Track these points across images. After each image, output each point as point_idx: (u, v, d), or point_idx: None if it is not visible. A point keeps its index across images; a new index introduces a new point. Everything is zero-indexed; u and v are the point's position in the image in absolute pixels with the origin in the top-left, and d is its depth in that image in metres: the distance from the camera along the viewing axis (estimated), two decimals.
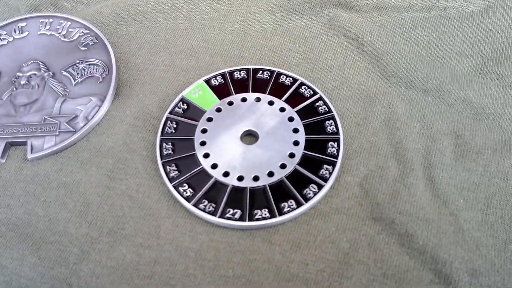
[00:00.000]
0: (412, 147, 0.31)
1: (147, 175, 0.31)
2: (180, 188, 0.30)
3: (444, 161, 0.30)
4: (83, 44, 0.37)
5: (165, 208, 0.30)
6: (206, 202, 0.29)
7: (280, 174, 0.30)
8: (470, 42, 0.36)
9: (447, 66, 0.35)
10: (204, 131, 0.32)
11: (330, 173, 0.30)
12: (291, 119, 0.32)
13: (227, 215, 0.29)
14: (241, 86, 0.34)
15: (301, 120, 0.32)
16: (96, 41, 0.37)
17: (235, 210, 0.29)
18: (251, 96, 0.34)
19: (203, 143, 0.32)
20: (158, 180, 0.31)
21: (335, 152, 0.31)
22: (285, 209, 0.29)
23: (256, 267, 0.27)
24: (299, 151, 0.31)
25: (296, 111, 0.33)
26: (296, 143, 0.31)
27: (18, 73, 0.36)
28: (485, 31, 0.36)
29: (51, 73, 0.36)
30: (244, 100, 0.34)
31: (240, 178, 0.30)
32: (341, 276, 0.27)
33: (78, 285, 0.27)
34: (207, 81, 0.35)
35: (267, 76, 0.35)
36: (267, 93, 0.34)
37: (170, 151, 0.32)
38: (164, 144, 0.32)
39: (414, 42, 0.36)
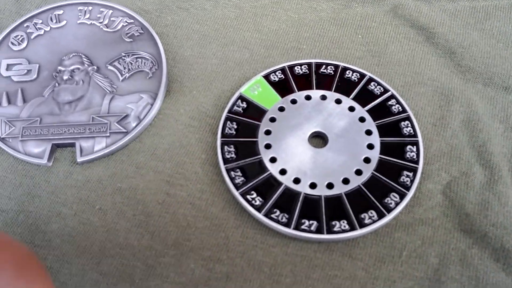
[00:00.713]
0: (498, 151, 0.28)
1: (209, 180, 0.29)
2: (248, 196, 0.28)
3: None
4: (128, 35, 0.35)
5: (232, 218, 0.28)
6: (278, 212, 0.27)
7: (356, 181, 0.28)
8: None
9: None
10: (267, 132, 0.30)
11: (412, 181, 0.27)
12: (362, 119, 0.30)
13: (303, 226, 0.26)
14: (303, 82, 0.32)
15: (373, 120, 0.30)
16: (141, 31, 0.35)
17: (311, 222, 0.27)
18: (315, 93, 0.31)
19: (268, 146, 0.29)
20: (222, 187, 0.29)
21: (414, 156, 0.28)
22: (366, 221, 0.26)
23: (338, 284, 0.25)
24: (374, 155, 0.28)
25: (367, 111, 0.30)
26: (370, 146, 0.29)
27: (59, 67, 0.33)
28: None
29: (95, 67, 0.33)
30: (308, 98, 0.31)
31: (313, 185, 0.28)
32: None
33: None
34: (266, 77, 0.32)
35: (331, 72, 0.32)
36: (332, 90, 0.31)
37: (233, 155, 0.29)
38: (225, 147, 0.29)
39: (489, 34, 0.34)
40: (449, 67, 0.32)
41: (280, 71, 0.33)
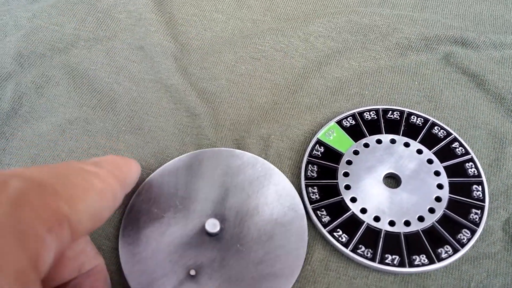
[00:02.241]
0: None
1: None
2: (335, 234, 0.31)
3: None
4: None
5: (316, 252, 0.31)
6: (363, 247, 0.31)
7: (430, 219, 0.31)
8: None
9: None
10: (346, 174, 0.33)
11: (480, 217, 0.31)
12: (430, 161, 0.34)
13: (387, 260, 0.30)
14: (372, 127, 0.36)
15: (440, 162, 0.33)
16: None
17: (394, 256, 0.30)
18: (385, 137, 0.35)
19: (347, 187, 0.33)
20: (309, 224, 0.32)
21: (480, 195, 0.32)
22: (443, 255, 0.30)
23: None
24: (444, 194, 0.32)
25: (433, 153, 0.34)
26: (440, 186, 0.32)
27: None
28: None
29: None
30: (379, 142, 0.35)
31: (391, 223, 0.31)
32: None
33: None
34: (339, 122, 0.36)
35: (397, 117, 0.36)
36: (400, 134, 0.35)
37: (317, 196, 0.33)
38: (309, 188, 0.33)
39: None
40: (500, 112, 0.36)
41: (351, 117, 0.36)
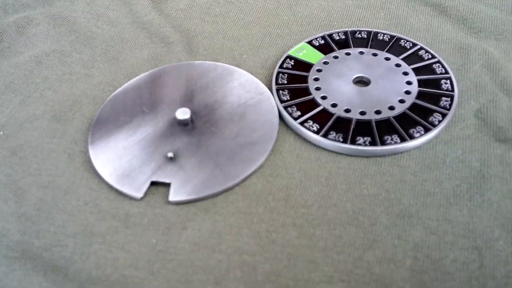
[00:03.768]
0: None
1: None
2: (306, 124, 0.29)
3: None
4: None
5: (287, 144, 0.29)
6: (334, 133, 0.28)
7: (401, 108, 0.29)
8: None
9: None
10: (316, 79, 0.32)
11: (450, 104, 0.29)
12: (398, 65, 0.32)
13: (358, 142, 0.28)
14: (341, 44, 0.34)
15: (408, 65, 0.32)
16: None
17: (365, 138, 0.28)
18: (354, 50, 0.34)
19: (318, 88, 0.31)
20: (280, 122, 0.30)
21: (449, 87, 0.30)
22: (415, 134, 0.28)
23: (390, 187, 0.26)
24: (414, 88, 0.30)
25: (401, 59, 0.32)
26: (409, 82, 0.31)
27: None
28: None
29: None
30: (348, 54, 0.33)
31: (362, 113, 0.29)
32: (480, 188, 0.25)
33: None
34: (309, 42, 0.35)
35: (365, 36, 0.35)
36: (368, 47, 0.34)
37: (288, 97, 0.31)
38: (280, 91, 0.31)
39: (493, 6, 0.37)
40: (463, 30, 0.35)
41: (320, 37, 0.35)
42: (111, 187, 0.27)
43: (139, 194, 0.26)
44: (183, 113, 0.29)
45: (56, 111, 0.31)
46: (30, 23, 0.39)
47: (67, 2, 0.41)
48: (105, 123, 0.30)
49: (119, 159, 0.28)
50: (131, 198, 0.26)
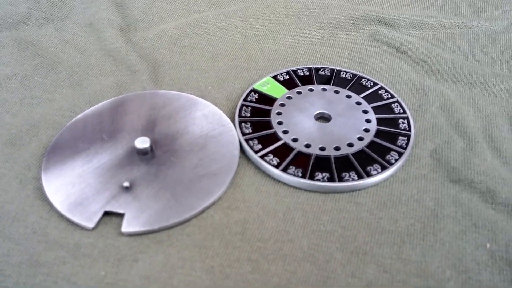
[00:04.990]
0: (472, 125, 0.31)
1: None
2: (266, 158, 0.29)
3: (504, 136, 0.30)
4: None
5: (247, 178, 0.28)
6: (294, 168, 0.28)
7: (359, 145, 0.29)
8: (500, 49, 0.37)
9: (485, 66, 0.36)
10: (279, 113, 0.32)
11: (407, 143, 0.30)
12: (358, 103, 0.33)
13: (317, 177, 0.28)
14: (306, 80, 0.35)
15: (368, 103, 0.32)
16: None
17: (324, 174, 0.28)
18: (317, 87, 0.34)
19: (280, 123, 0.31)
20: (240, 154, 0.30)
21: (407, 127, 0.31)
22: (372, 172, 0.28)
23: (346, 224, 0.26)
24: (372, 126, 0.31)
25: (362, 97, 0.33)
26: (368, 120, 0.31)
27: None
28: (510, 42, 0.39)
29: None
30: (311, 90, 0.34)
31: (322, 149, 0.29)
32: (433, 228, 0.26)
33: None
34: (274, 77, 0.35)
35: (328, 73, 0.35)
36: (331, 84, 0.34)
37: (250, 130, 0.31)
38: (243, 124, 0.31)
39: (451, 50, 0.38)
40: (422, 72, 0.36)
41: (285, 73, 0.35)
42: (62, 216, 0.25)
43: (90, 224, 0.25)
44: (142, 142, 0.28)
45: (12, 135, 0.30)
46: None
47: (35, 27, 0.40)
48: (62, 149, 0.29)
49: (72, 187, 0.27)
50: (82, 228, 0.25)
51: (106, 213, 0.25)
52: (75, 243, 0.24)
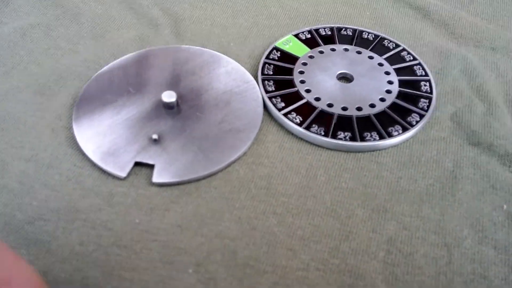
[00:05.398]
0: (493, 90, 0.31)
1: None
2: (289, 116, 0.29)
3: None
4: None
5: (270, 135, 0.29)
6: (317, 126, 0.29)
7: (381, 106, 0.30)
8: None
9: (508, 31, 0.36)
10: (301, 72, 0.32)
11: (428, 106, 0.30)
12: (380, 64, 0.33)
13: (339, 136, 0.28)
14: (327, 39, 0.35)
15: (390, 65, 0.33)
16: None
17: (346, 133, 0.28)
18: (339, 47, 0.34)
19: (302, 82, 0.32)
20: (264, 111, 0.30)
21: (428, 89, 0.31)
22: (393, 133, 0.28)
23: (367, 182, 0.27)
24: (394, 88, 0.31)
25: (384, 59, 0.33)
26: (390, 82, 0.31)
27: None
28: None
29: None
30: (333, 50, 0.34)
31: (344, 108, 0.30)
32: (451, 188, 0.26)
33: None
34: (296, 35, 0.35)
35: (350, 33, 0.35)
36: (353, 45, 0.34)
37: (273, 88, 0.31)
38: (266, 82, 0.31)
39: (474, 13, 0.38)
40: (444, 35, 0.36)
41: (307, 32, 0.35)
42: (94, 165, 0.26)
43: (123, 174, 0.26)
44: (169, 96, 0.29)
45: (40, 85, 0.31)
46: None
47: None
48: (90, 100, 0.30)
49: (103, 137, 0.27)
50: (114, 177, 0.26)
51: (137, 164, 0.26)
52: (109, 191, 0.25)
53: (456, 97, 0.31)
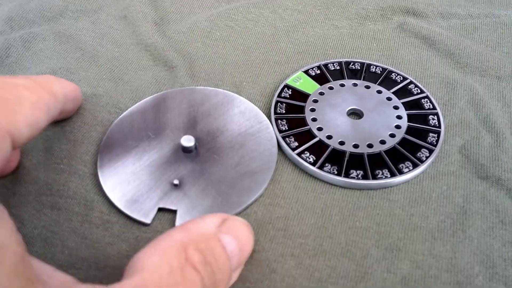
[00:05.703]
0: (500, 121, 0.32)
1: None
2: (303, 155, 0.31)
3: None
4: None
5: (285, 174, 0.30)
6: (329, 165, 0.30)
7: (391, 142, 0.31)
8: None
9: None
10: (312, 110, 0.33)
11: (437, 140, 0.31)
12: (389, 99, 0.34)
13: (351, 175, 0.29)
14: (336, 74, 0.36)
15: (399, 99, 0.34)
16: None
17: (358, 171, 0.30)
18: (348, 82, 0.35)
19: (314, 119, 0.33)
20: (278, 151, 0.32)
21: (436, 123, 0.32)
22: (404, 169, 0.30)
23: (380, 220, 0.28)
24: (403, 123, 0.32)
25: (392, 93, 0.34)
26: (399, 117, 0.33)
27: None
28: None
29: None
30: (342, 85, 0.35)
31: (356, 146, 0.31)
32: (462, 224, 0.27)
33: None
34: (306, 72, 0.36)
35: (359, 67, 0.37)
36: (362, 79, 0.35)
37: (286, 127, 0.32)
38: (279, 121, 0.33)
39: (479, 41, 0.39)
40: (450, 64, 0.37)
41: (316, 67, 0.37)
42: (120, 212, 0.28)
43: (147, 220, 0.27)
44: (188, 141, 0.30)
45: (65, 132, 0.32)
46: (36, 38, 0.40)
47: (72, 20, 0.42)
48: (113, 146, 0.31)
49: (127, 184, 0.29)
50: (139, 223, 0.28)
51: (160, 209, 0.28)
52: (135, 238, 0.27)
53: (464, 129, 0.32)
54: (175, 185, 0.29)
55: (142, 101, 0.34)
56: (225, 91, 0.35)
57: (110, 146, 0.31)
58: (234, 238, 0.23)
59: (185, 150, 0.30)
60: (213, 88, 0.35)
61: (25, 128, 0.23)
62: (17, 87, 0.24)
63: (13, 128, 0.22)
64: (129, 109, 0.34)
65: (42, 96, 0.25)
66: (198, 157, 0.30)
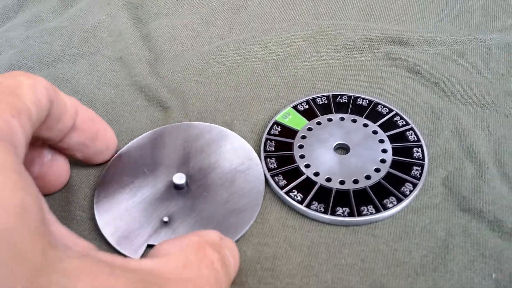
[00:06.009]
0: (483, 150, 0.33)
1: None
2: (291, 194, 0.32)
3: None
4: None
5: (274, 213, 0.32)
6: (316, 203, 0.31)
7: (376, 177, 0.32)
8: None
9: (497, 85, 0.38)
10: (300, 146, 0.35)
11: (420, 173, 0.32)
12: (375, 132, 0.35)
13: (337, 212, 0.31)
14: (324, 109, 0.37)
15: (384, 132, 0.35)
16: None
17: (344, 208, 0.31)
18: (335, 116, 0.37)
19: (302, 156, 0.34)
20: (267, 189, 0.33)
21: (420, 156, 0.33)
22: (388, 205, 0.31)
23: (365, 256, 0.29)
24: (388, 157, 0.33)
25: (378, 126, 0.35)
26: (384, 150, 0.34)
27: None
28: None
29: None
30: (330, 120, 0.36)
31: (342, 182, 0.32)
32: (443, 259, 0.28)
33: None
34: (294, 107, 0.38)
35: (346, 100, 0.38)
36: (348, 113, 0.37)
37: (275, 165, 0.34)
38: (268, 159, 0.34)
39: (464, 67, 0.40)
40: (435, 93, 0.38)
41: (305, 102, 0.38)
42: (112, 248, 0.30)
43: (136, 256, 0.29)
44: (179, 178, 0.32)
45: None
46: None
47: (70, 64, 0.44)
48: (110, 182, 0.33)
49: (120, 221, 0.31)
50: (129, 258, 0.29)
51: (149, 246, 0.29)
52: None
53: (447, 160, 0.33)
54: (165, 222, 0.30)
55: (141, 136, 0.36)
56: (220, 127, 0.36)
57: (107, 182, 0.33)
58: (231, 252, 0.26)
59: (177, 187, 0.32)
60: (208, 124, 0.37)
61: (34, 107, 0.24)
62: (15, 75, 0.25)
63: (26, 107, 0.23)
64: (127, 145, 0.35)
65: (37, 79, 0.25)
66: (190, 193, 0.32)
